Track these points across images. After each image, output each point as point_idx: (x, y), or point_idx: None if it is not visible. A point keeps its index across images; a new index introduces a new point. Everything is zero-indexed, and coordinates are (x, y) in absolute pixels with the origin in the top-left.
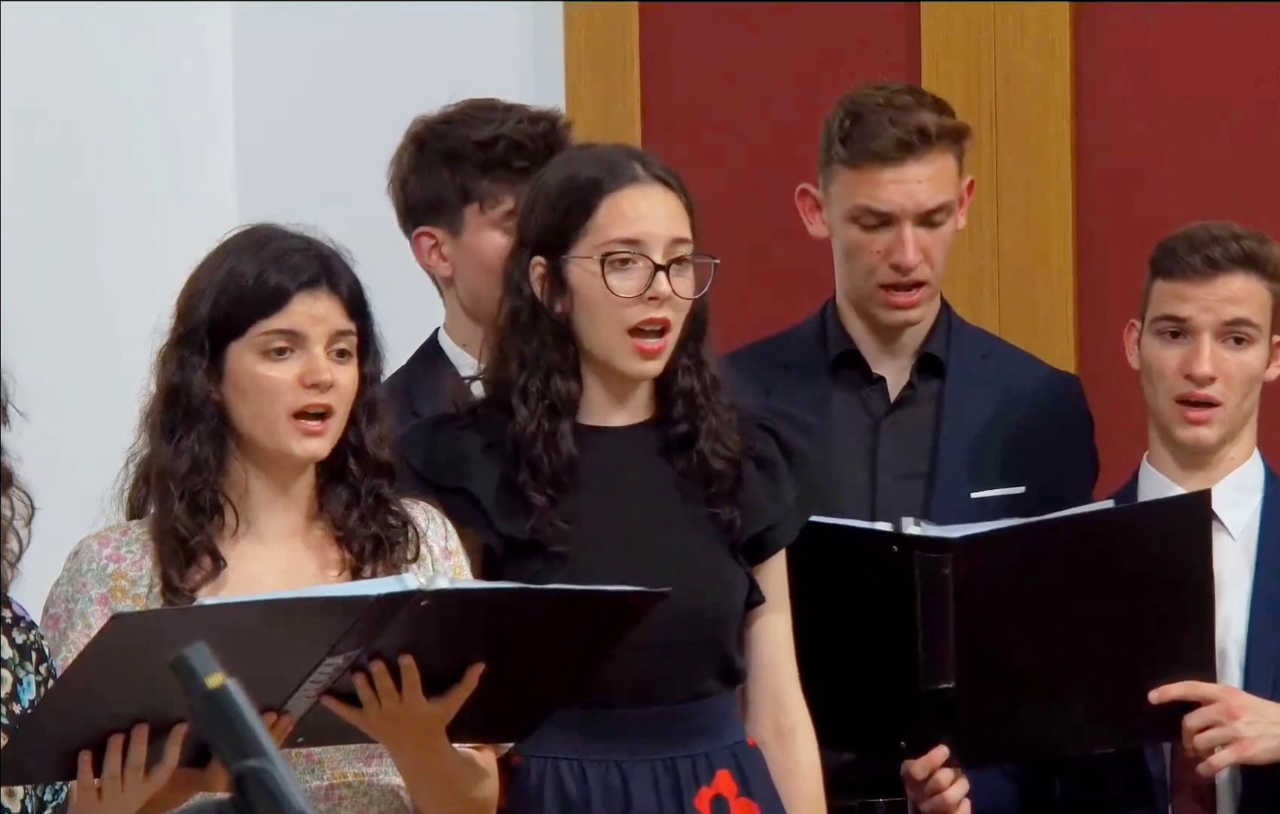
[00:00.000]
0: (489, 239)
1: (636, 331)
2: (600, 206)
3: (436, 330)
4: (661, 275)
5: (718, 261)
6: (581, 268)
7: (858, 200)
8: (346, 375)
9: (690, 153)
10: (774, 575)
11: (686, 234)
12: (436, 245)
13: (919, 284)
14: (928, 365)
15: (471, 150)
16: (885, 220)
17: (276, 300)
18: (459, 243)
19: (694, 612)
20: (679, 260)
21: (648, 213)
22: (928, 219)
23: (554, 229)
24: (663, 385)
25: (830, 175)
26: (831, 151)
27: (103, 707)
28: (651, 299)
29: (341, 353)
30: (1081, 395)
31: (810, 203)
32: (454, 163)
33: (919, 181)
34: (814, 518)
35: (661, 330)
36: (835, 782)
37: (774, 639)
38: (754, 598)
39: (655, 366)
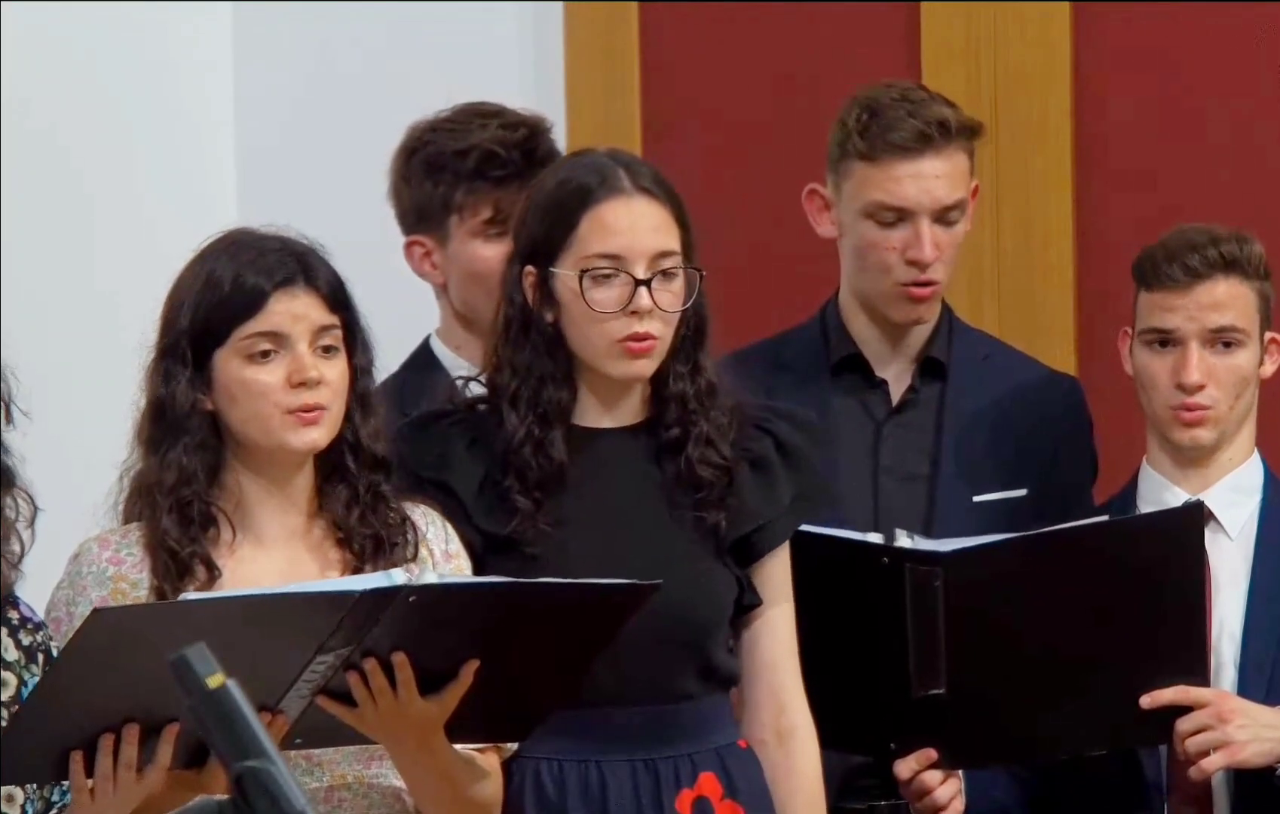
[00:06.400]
0: (471, 248)
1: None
2: (583, 220)
3: (429, 336)
4: (642, 290)
5: (703, 272)
6: (564, 282)
7: (874, 196)
8: (335, 370)
9: (690, 153)
10: (773, 575)
11: (672, 246)
12: (428, 254)
13: (931, 282)
14: (929, 369)
15: (450, 160)
16: (901, 215)
17: (254, 303)
18: (446, 251)
19: (673, 613)
20: (663, 273)
21: (629, 226)
22: (943, 215)
23: (542, 239)
24: (657, 389)
25: (844, 172)
26: (848, 146)
27: (90, 705)
28: (633, 313)
29: (327, 348)
30: (1082, 397)
31: (819, 203)
32: (436, 173)
33: (936, 177)
34: (807, 527)
35: (645, 339)
36: (845, 786)
37: (774, 639)
38: (748, 600)
39: (645, 367)
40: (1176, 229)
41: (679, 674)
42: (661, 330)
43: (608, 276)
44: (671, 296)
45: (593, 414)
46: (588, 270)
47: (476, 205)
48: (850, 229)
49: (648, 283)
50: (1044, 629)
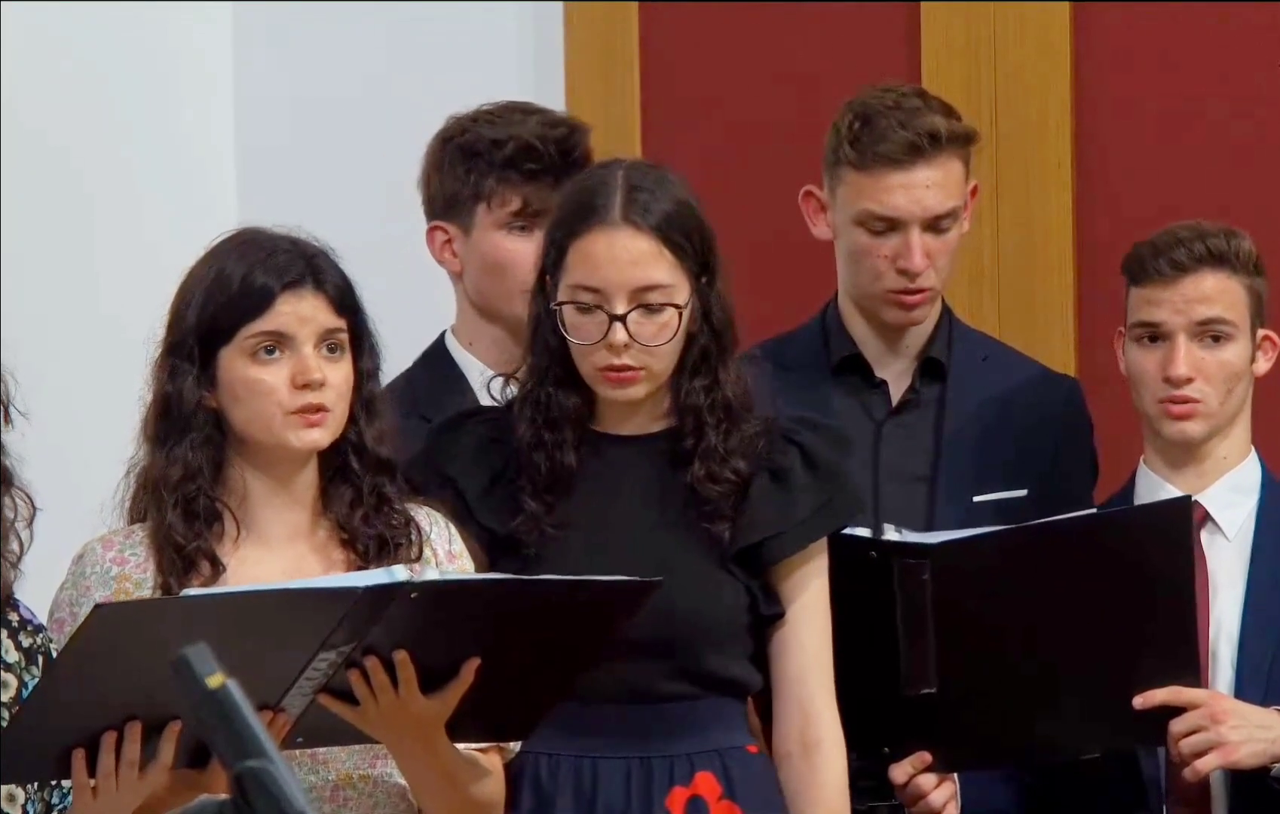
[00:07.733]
0: (494, 238)
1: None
2: (570, 249)
3: (444, 333)
4: (618, 325)
5: (683, 307)
6: (557, 306)
7: (865, 204)
8: (339, 372)
9: (690, 153)
10: (797, 586)
11: (657, 279)
12: (449, 241)
13: (922, 290)
14: (929, 369)
15: (486, 148)
16: (892, 225)
17: (261, 302)
18: (469, 240)
19: (668, 616)
20: (646, 306)
21: (608, 260)
22: (935, 225)
23: (548, 256)
24: (676, 399)
25: (837, 178)
26: (839, 153)
27: (93, 702)
28: (610, 346)
29: (332, 349)
30: (1082, 398)
31: (815, 204)
32: (471, 161)
33: (927, 186)
34: None
35: (624, 371)
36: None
37: (799, 651)
38: (765, 610)
39: (632, 393)
40: (1166, 226)
41: (673, 677)
42: (644, 361)
43: (587, 309)
44: (655, 329)
45: (612, 420)
46: (569, 300)
47: (506, 195)
48: (844, 233)
49: (623, 317)
50: (1035, 626)
